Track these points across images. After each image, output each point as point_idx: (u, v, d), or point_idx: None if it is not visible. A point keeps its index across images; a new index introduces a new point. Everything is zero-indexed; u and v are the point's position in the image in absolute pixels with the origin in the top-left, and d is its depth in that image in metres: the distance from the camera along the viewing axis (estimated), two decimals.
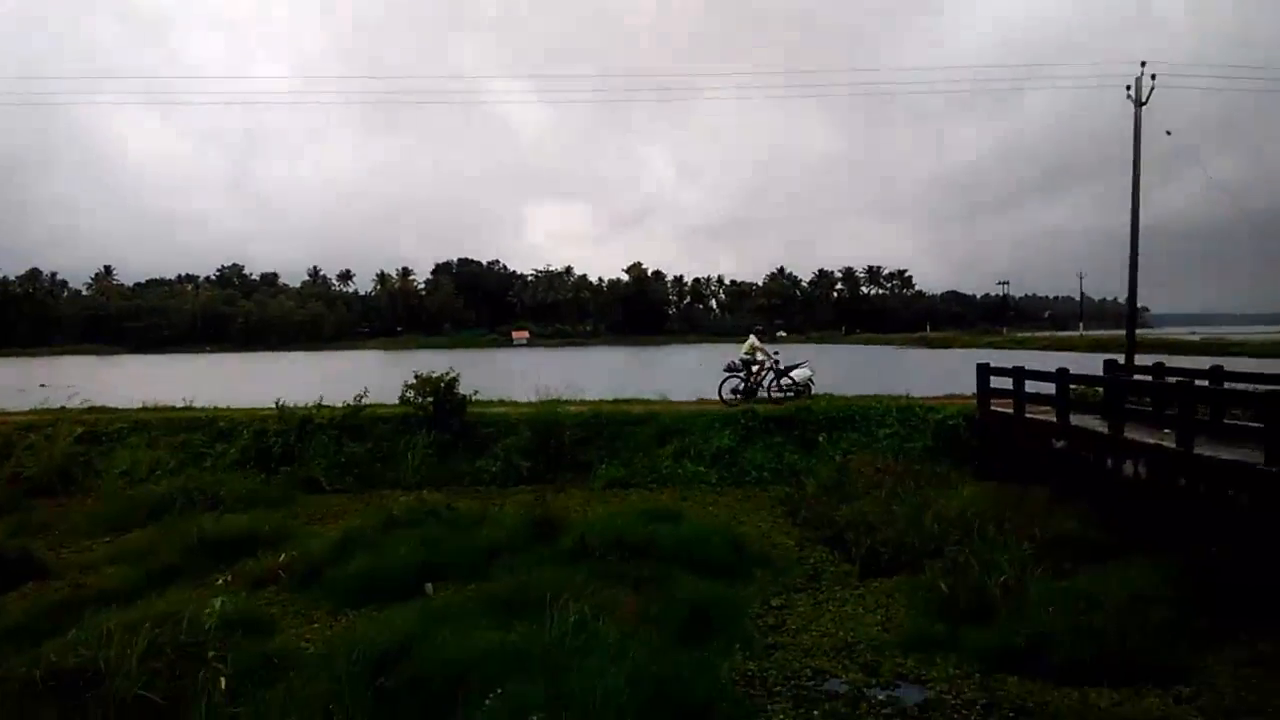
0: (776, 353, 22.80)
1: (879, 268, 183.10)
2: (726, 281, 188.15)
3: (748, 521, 14.37)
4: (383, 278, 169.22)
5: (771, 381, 22.05)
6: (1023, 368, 16.51)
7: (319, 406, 19.27)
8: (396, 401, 19.61)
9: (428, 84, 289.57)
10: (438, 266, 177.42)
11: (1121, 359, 22.23)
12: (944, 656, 8.38)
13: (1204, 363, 16.78)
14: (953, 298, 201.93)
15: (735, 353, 22.88)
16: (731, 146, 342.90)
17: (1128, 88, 23.50)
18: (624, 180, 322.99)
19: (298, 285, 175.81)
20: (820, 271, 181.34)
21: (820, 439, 18.29)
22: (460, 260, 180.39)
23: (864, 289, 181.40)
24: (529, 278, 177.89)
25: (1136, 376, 16.38)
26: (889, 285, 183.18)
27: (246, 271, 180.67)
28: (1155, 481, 12.24)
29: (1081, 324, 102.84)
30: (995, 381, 17.94)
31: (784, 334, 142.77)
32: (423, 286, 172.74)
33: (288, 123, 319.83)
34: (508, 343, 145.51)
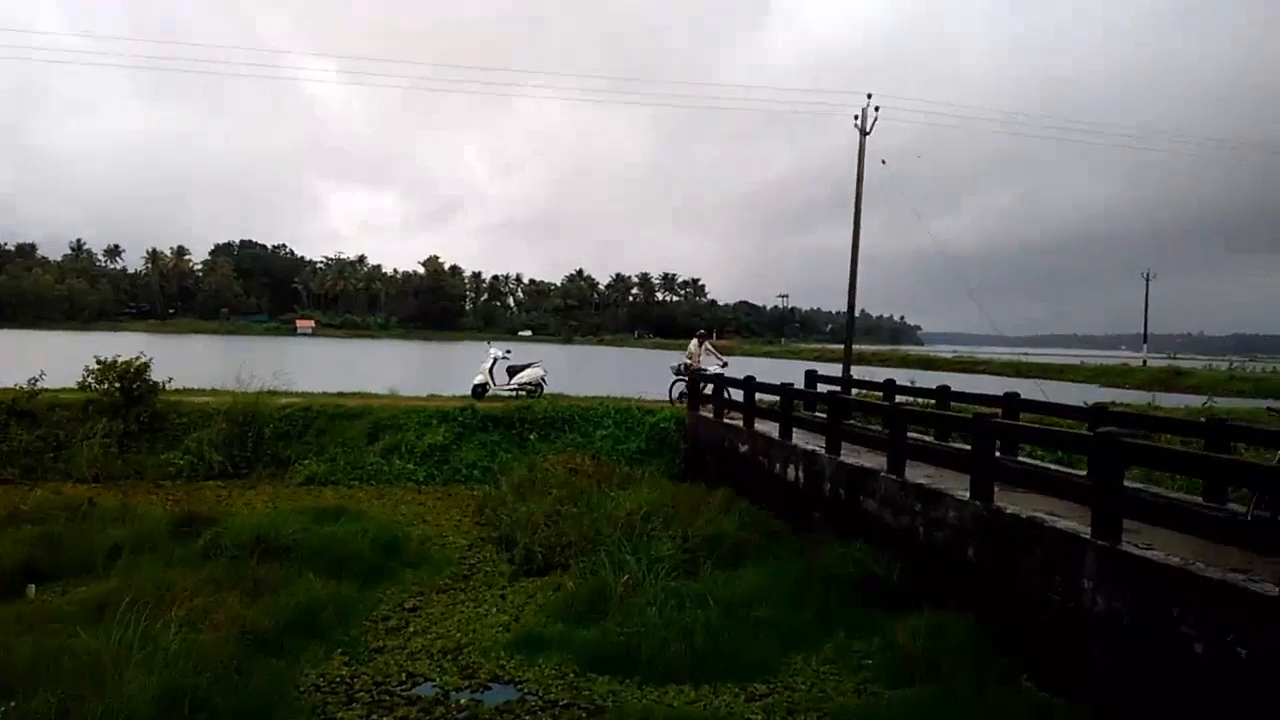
0: (724, 363, 20.75)
1: (674, 275, 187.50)
2: (526, 280, 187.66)
3: (431, 520, 14.10)
4: (154, 255, 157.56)
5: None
6: (721, 375, 17.06)
7: None
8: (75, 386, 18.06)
9: (228, 55, 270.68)
10: (217, 247, 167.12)
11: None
12: (548, 657, 8.35)
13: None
14: (744, 307, 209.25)
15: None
16: (546, 147, 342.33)
17: (855, 117, 24.90)
18: (432, 173, 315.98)
19: (60, 259, 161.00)
20: (617, 275, 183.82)
21: (531, 438, 18.25)
22: (243, 242, 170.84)
23: (659, 295, 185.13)
24: (319, 265, 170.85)
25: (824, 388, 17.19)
26: (683, 292, 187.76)
27: None
28: (810, 484, 12.85)
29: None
30: (709, 388, 18.46)
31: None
32: (199, 267, 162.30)
33: (65, 83, 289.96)
34: (291, 331, 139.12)
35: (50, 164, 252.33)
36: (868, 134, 24.67)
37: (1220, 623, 6.23)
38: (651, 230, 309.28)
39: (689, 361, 20.71)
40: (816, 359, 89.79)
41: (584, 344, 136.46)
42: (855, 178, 25.44)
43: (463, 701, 7.45)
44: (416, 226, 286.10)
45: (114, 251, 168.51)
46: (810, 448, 13.00)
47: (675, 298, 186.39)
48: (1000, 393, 13.78)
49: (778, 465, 14.01)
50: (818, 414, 14.60)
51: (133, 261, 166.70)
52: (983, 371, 69.01)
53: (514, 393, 21.86)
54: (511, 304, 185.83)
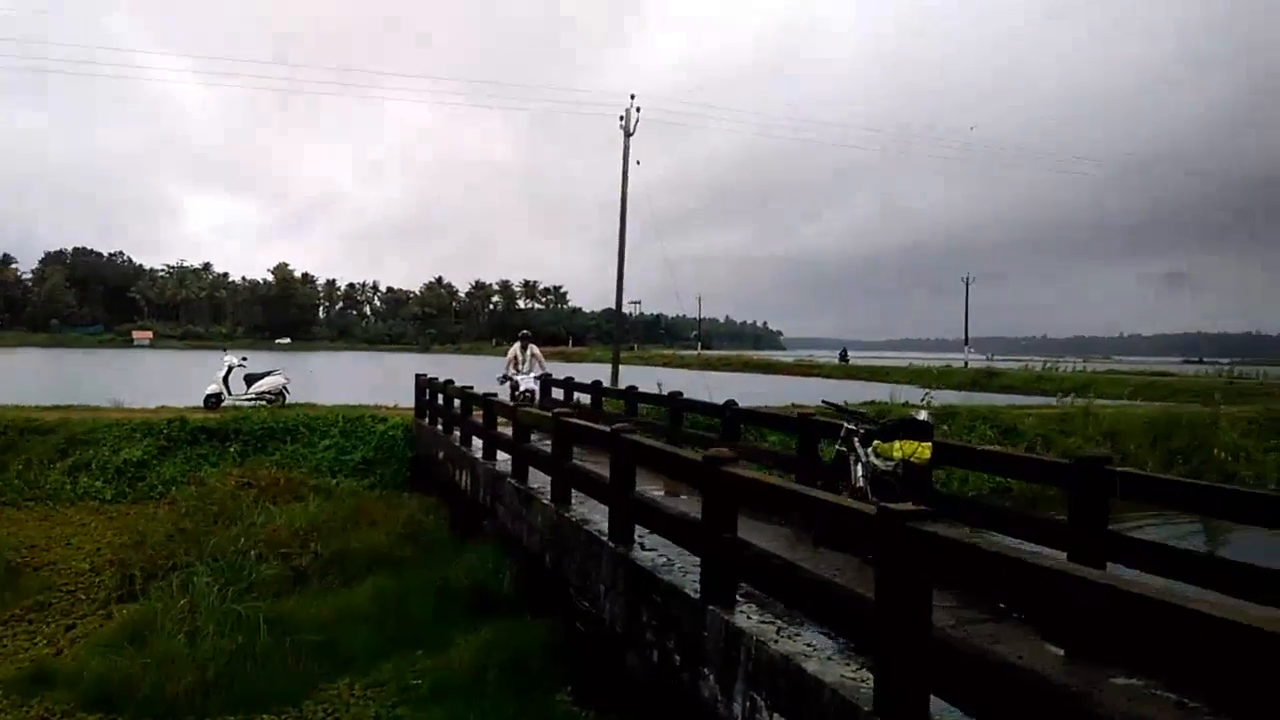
0: (543, 374, 18.13)
1: (535, 283, 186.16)
2: (383, 288, 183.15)
3: (76, 543, 12.97)
4: None
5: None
6: (435, 380, 16.43)
7: None
8: None
9: (69, 52, 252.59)
10: (48, 255, 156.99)
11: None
12: (49, 694, 7.47)
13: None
14: (608, 314, 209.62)
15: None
16: (410, 153, 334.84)
17: (621, 117, 24.72)
18: (291, 179, 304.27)
19: None
20: (477, 283, 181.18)
21: (232, 450, 17.18)
22: (76, 250, 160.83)
23: (520, 303, 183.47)
24: (160, 273, 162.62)
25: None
26: (545, 300, 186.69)
27: None
28: (474, 491, 12.31)
29: (700, 344, 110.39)
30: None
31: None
32: (29, 276, 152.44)
33: None
34: (128, 343, 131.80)
35: None
36: (631, 134, 24.54)
37: (667, 626, 5.90)
38: (519, 238, 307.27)
39: (509, 371, 17.59)
40: (665, 364, 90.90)
41: (440, 352, 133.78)
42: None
43: None
44: (274, 234, 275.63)
45: None
46: (478, 454, 12.46)
47: (538, 305, 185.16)
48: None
49: (457, 472, 13.45)
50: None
51: None
52: (817, 375, 70.40)
53: (253, 402, 20.71)
54: (368, 312, 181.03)
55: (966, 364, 68.16)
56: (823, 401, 9.14)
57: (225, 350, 22.45)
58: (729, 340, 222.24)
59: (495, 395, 12.15)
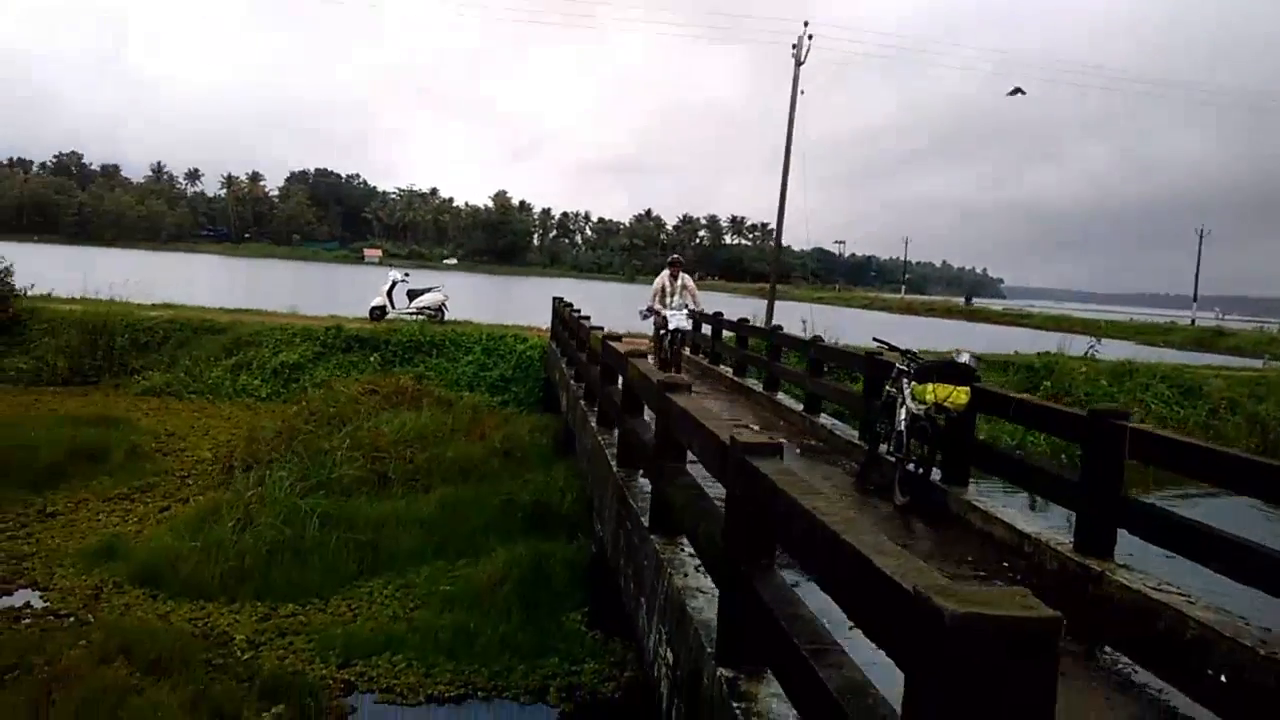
0: (690, 309, 13.98)
1: (743, 218, 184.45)
2: (594, 219, 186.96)
3: (214, 434, 13.96)
4: (230, 180, 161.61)
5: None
6: (562, 299, 16.52)
7: None
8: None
9: None
10: (292, 175, 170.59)
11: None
12: (109, 568, 8.09)
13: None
14: (818, 254, 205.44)
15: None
16: (638, 85, 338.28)
17: (794, 46, 23.64)
18: (518, 107, 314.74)
19: (141, 180, 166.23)
20: (685, 217, 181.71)
21: (372, 359, 17.96)
22: (317, 171, 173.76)
23: (726, 238, 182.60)
24: (391, 195, 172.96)
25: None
26: (751, 236, 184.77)
27: (86, 161, 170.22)
28: (569, 412, 12.30)
29: (904, 287, 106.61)
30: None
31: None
32: (275, 193, 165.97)
33: (164, 6, 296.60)
34: (359, 259, 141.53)
35: (145, 88, 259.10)
36: (802, 64, 23.44)
37: (631, 554, 5.61)
38: (738, 174, 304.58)
39: (654, 305, 14.06)
40: (864, 306, 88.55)
41: (644, 283, 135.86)
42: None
43: None
44: (497, 162, 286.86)
45: (194, 175, 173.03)
46: (572, 378, 12.40)
47: (744, 241, 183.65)
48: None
49: (561, 393, 13.50)
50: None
51: (212, 186, 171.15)
52: (1025, 326, 66.45)
53: (414, 316, 21.60)
54: (579, 241, 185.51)
55: (1194, 322, 62.28)
56: (874, 339, 8.40)
57: (390, 266, 23.47)
58: (944, 286, 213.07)
59: (594, 324, 11.92)
